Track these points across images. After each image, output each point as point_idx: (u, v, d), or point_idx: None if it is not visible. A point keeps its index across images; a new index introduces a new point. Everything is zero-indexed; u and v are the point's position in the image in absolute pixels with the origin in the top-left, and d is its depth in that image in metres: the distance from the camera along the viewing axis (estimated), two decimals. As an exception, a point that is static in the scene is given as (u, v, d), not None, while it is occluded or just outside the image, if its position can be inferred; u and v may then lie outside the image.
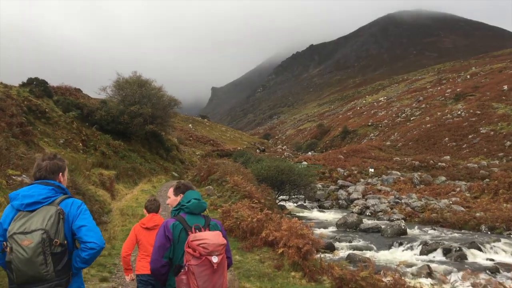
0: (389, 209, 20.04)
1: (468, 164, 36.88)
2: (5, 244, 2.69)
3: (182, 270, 3.11)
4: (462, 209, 18.76)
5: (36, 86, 26.98)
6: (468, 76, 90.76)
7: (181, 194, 3.64)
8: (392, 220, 17.82)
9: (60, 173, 2.99)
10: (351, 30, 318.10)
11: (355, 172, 35.15)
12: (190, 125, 73.47)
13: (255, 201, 11.49)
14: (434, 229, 16.57)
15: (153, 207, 5.10)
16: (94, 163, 19.08)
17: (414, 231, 16.11)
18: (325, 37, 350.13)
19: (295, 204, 23.66)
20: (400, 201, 21.13)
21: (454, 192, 22.36)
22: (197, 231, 3.22)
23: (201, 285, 3.01)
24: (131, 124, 28.19)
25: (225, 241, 3.17)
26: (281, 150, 75.36)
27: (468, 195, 21.69)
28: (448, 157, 43.18)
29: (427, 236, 15.22)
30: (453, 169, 35.36)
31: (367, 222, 17.23)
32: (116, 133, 28.36)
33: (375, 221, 18.22)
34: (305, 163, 37.91)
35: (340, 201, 24.28)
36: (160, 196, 15.96)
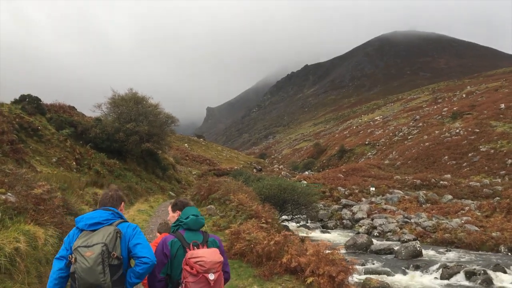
0: (399, 229, 19.13)
1: (470, 183, 36.19)
2: (70, 256, 3.14)
3: (180, 287, 3.23)
4: (476, 228, 17.91)
5: (29, 103, 26.15)
6: (464, 95, 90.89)
7: (178, 211, 3.74)
8: (404, 241, 16.91)
9: (122, 203, 3.61)
10: (345, 51, 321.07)
11: (356, 191, 34.35)
12: (186, 144, 72.61)
13: (263, 221, 10.59)
14: (450, 251, 15.66)
15: (163, 228, 5.54)
16: (88, 182, 18.15)
17: (428, 252, 15.20)
18: (319, 57, 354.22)
19: (297, 224, 22.72)
20: (409, 221, 20.24)
21: (463, 211, 21.52)
22: (195, 248, 3.31)
23: None
24: (126, 142, 27.30)
25: (222, 259, 3.26)
26: (278, 169, 74.43)
27: (479, 214, 20.88)
28: (449, 175, 42.50)
29: (443, 258, 14.32)
30: (456, 187, 34.66)
31: (378, 243, 16.33)
32: (111, 151, 27.45)
33: (385, 241, 17.34)
34: (304, 182, 37.04)
35: (344, 221, 23.35)
36: (158, 216, 15.03)
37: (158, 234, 5.55)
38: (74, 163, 24.54)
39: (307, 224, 23.21)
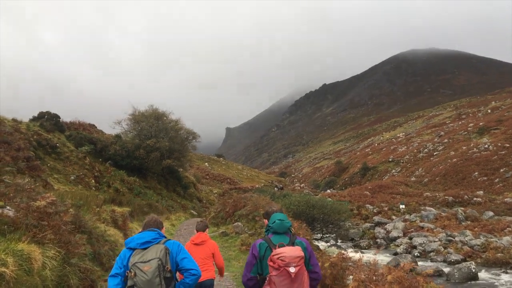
0: (443, 249, 17.48)
1: (505, 199, 34.24)
2: (128, 272, 3.56)
3: (266, 281, 3.62)
4: (533, 247, 16.24)
5: (47, 120, 25.55)
6: (489, 110, 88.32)
7: (265, 219, 4.17)
8: (451, 262, 15.35)
9: (164, 227, 4.12)
10: (363, 69, 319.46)
11: (386, 208, 32.72)
12: (206, 163, 71.75)
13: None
14: (507, 272, 14.04)
15: (199, 226, 6.12)
16: (106, 199, 17.12)
17: (483, 274, 13.62)
18: (337, 76, 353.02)
19: (328, 244, 21.19)
20: (453, 239, 18.52)
21: (510, 229, 19.79)
22: (280, 248, 3.62)
23: None
24: (147, 159, 26.40)
25: (302, 254, 3.59)
26: (299, 188, 72.88)
27: (529, 231, 19.14)
28: (481, 192, 40.47)
29: (502, 281, 12.75)
30: (491, 204, 32.74)
31: (424, 264, 14.82)
32: (131, 169, 26.56)
33: (429, 262, 15.77)
34: (329, 199, 35.52)
35: (378, 240, 21.70)
36: (180, 235, 13.84)
37: (195, 231, 6.16)
38: (93, 180, 23.69)
39: (338, 244, 21.68)
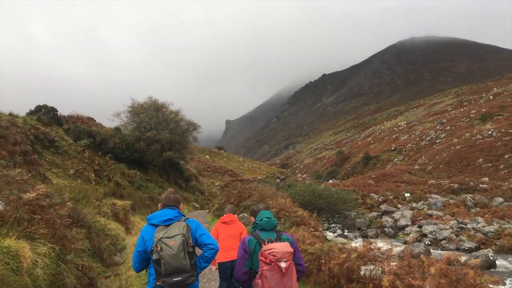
0: (455, 236, 16.94)
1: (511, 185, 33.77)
2: (154, 246, 3.79)
3: (257, 275, 3.77)
4: (549, 233, 15.73)
5: (45, 113, 24.97)
6: (491, 97, 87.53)
7: (252, 217, 4.71)
8: (465, 250, 14.86)
9: (180, 204, 4.34)
10: (362, 59, 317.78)
11: (391, 197, 32.17)
12: (207, 156, 71.23)
13: (312, 230, 8.74)
14: (525, 259, 13.57)
15: (228, 210, 6.64)
16: (107, 192, 16.60)
17: (500, 262, 13.09)
18: (337, 66, 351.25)
19: (335, 234, 20.68)
20: (465, 226, 17.96)
21: (522, 214, 19.29)
22: (269, 243, 3.86)
23: (273, 286, 3.59)
24: (147, 152, 25.83)
25: (291, 250, 3.76)
26: (301, 178, 72.41)
27: (543, 216, 18.61)
28: (486, 178, 39.93)
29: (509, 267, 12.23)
30: (497, 190, 32.21)
31: (437, 252, 14.32)
32: (131, 162, 26.01)
33: (440, 251, 15.26)
34: (333, 189, 35.02)
35: (386, 229, 21.14)
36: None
37: (225, 214, 6.60)
38: (93, 174, 23.15)
39: (345, 234, 21.19)
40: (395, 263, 5.71)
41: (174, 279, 3.71)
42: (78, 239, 5.75)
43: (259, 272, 3.71)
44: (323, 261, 6.22)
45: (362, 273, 5.83)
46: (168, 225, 3.89)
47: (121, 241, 11.04)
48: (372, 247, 6.46)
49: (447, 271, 4.90)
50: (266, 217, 4.02)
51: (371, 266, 5.94)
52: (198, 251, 4.05)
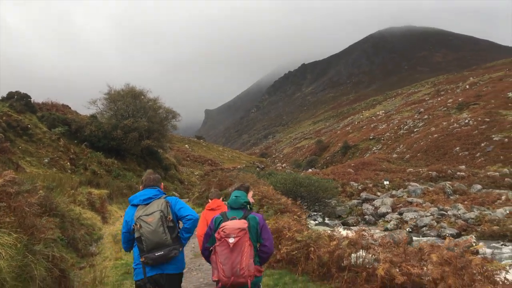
0: (435, 223, 17.04)
1: (488, 173, 34.34)
2: (134, 225, 3.91)
3: (212, 251, 3.89)
4: (528, 219, 15.93)
5: (17, 100, 24.11)
6: (467, 86, 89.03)
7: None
8: (446, 236, 14.94)
9: (162, 183, 4.44)
10: (342, 48, 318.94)
11: (370, 185, 32.37)
12: (186, 145, 70.52)
13: (296, 217, 8.53)
14: (505, 245, 13.66)
15: (213, 195, 6.56)
16: (82, 181, 16.08)
17: (483, 248, 13.18)
18: (316, 56, 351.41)
19: (316, 222, 20.58)
20: (446, 213, 18.10)
21: (500, 201, 19.52)
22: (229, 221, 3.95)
23: (222, 261, 3.70)
24: (125, 140, 25.24)
25: (243, 226, 3.81)
26: (281, 168, 72.43)
27: (521, 203, 18.88)
28: (463, 166, 40.59)
29: (505, 254, 12.32)
30: (474, 178, 32.74)
31: (420, 239, 14.33)
32: (108, 150, 25.40)
33: (422, 238, 15.30)
34: (314, 177, 35.04)
35: (366, 216, 21.15)
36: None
37: (209, 200, 6.53)
38: (68, 163, 22.51)
39: (326, 222, 21.14)
40: (390, 250, 5.45)
41: (156, 254, 3.82)
42: (49, 228, 5.37)
43: (213, 247, 3.83)
44: (312, 249, 5.95)
45: (353, 261, 5.62)
46: (148, 204, 4.01)
47: (97, 230, 10.65)
48: (365, 233, 6.17)
49: (451, 258, 4.64)
50: (235, 196, 4.12)
51: (364, 253, 5.68)
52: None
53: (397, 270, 4.83)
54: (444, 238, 14.72)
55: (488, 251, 12.96)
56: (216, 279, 3.78)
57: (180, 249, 4.03)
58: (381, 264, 5.02)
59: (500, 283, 4.33)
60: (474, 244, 12.22)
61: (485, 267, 4.40)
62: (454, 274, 4.40)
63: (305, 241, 6.07)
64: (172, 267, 4.00)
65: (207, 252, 4.04)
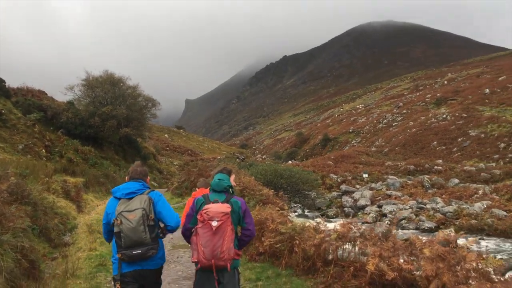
0: (414, 216, 17.15)
1: (464, 167, 34.85)
2: (115, 219, 3.83)
3: (193, 232, 3.94)
4: (504, 213, 16.07)
5: (-10, 85, 23.32)
6: (446, 82, 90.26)
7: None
8: (425, 230, 15.02)
9: (148, 177, 4.35)
10: (323, 41, 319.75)
11: (349, 178, 32.51)
12: (166, 135, 69.82)
13: (278, 209, 8.37)
14: (483, 239, 13.82)
15: (201, 184, 6.58)
16: (57, 169, 15.62)
17: (460, 241, 13.12)
18: (298, 48, 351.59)
19: (296, 214, 20.56)
20: (424, 207, 18.27)
21: (477, 195, 19.78)
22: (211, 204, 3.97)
23: (204, 243, 3.76)
24: (103, 128, 24.70)
25: (226, 211, 3.85)
26: (261, 159, 72.40)
27: (497, 197, 19.13)
28: (440, 161, 41.17)
29: (482, 248, 12.42)
30: (451, 172, 33.20)
31: (399, 232, 14.39)
32: (85, 138, 24.83)
33: (400, 231, 15.36)
34: (295, 169, 35.04)
35: (345, 208, 21.24)
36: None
37: (197, 189, 6.46)
38: (43, 150, 21.91)
39: (306, 213, 21.12)
40: (379, 244, 5.28)
41: (133, 252, 3.78)
42: (18, 216, 5.07)
43: (195, 229, 3.87)
44: (297, 241, 5.74)
45: (340, 254, 5.45)
46: (130, 198, 3.93)
47: (71, 220, 10.31)
48: (352, 226, 5.99)
49: (445, 254, 4.51)
50: (218, 179, 4.11)
51: (350, 247, 5.52)
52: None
53: (387, 266, 4.65)
54: (422, 231, 14.84)
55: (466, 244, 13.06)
56: (196, 261, 3.83)
57: (157, 249, 3.95)
58: (371, 259, 4.80)
59: (496, 280, 4.22)
60: (465, 239, 12.27)
61: (480, 264, 4.29)
62: (448, 270, 4.26)
63: (289, 233, 5.89)
64: (151, 263, 3.97)
65: (188, 233, 4.06)
